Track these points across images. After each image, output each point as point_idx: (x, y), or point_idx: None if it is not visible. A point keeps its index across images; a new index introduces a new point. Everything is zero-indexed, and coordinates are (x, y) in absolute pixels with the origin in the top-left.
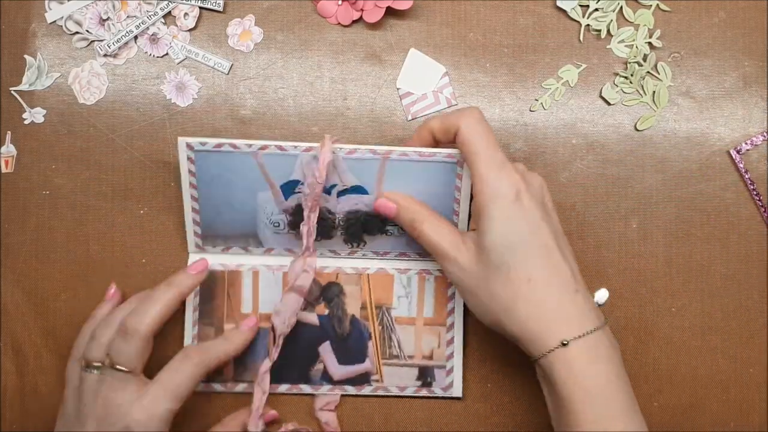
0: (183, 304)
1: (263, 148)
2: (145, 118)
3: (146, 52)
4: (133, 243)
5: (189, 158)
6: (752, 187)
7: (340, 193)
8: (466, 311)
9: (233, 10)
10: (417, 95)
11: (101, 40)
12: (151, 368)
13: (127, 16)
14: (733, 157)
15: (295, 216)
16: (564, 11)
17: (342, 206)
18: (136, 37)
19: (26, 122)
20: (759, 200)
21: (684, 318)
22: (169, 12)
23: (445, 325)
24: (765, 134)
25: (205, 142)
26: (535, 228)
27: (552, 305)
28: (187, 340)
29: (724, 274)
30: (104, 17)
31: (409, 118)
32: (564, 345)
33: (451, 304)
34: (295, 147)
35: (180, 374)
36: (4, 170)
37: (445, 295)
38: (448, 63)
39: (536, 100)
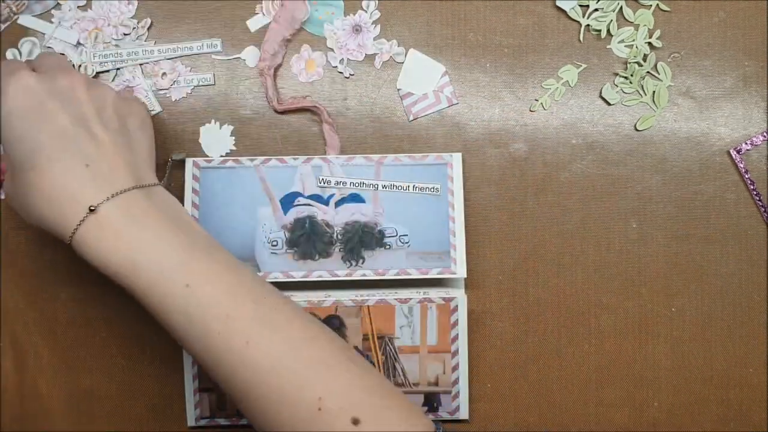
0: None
1: (265, 161)
2: None
3: None
4: None
5: (194, 176)
6: (752, 187)
7: (338, 203)
8: (470, 337)
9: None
10: (418, 95)
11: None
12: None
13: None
14: (733, 157)
15: (294, 232)
16: (564, 11)
17: (340, 217)
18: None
19: None
20: (759, 200)
21: (684, 318)
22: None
23: (450, 352)
24: (765, 134)
25: (211, 159)
26: (39, 118)
27: (60, 187)
28: (187, 375)
29: (724, 274)
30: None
31: (411, 118)
32: (90, 212)
33: (455, 331)
34: (295, 159)
35: None
36: (4, 171)
37: (449, 322)
38: (448, 63)
39: (536, 100)
